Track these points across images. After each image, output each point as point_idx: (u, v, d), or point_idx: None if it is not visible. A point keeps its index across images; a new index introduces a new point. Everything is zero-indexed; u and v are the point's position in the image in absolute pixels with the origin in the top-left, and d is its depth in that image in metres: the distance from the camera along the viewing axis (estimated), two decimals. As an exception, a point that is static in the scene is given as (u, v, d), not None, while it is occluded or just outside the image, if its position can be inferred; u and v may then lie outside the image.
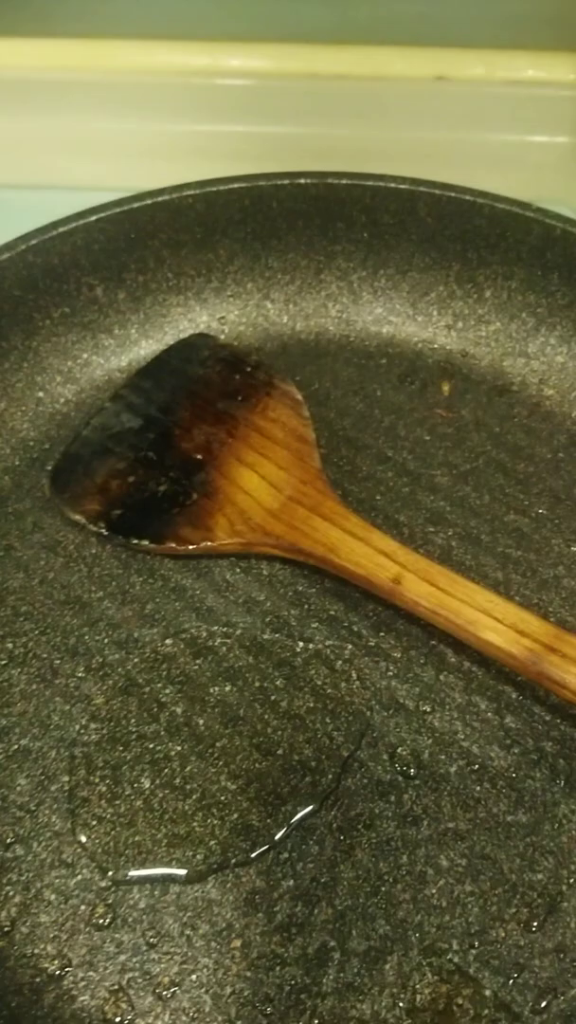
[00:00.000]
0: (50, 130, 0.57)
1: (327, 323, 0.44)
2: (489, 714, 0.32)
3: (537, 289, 0.42)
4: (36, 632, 0.34)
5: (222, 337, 0.43)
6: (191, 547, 0.35)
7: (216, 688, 0.33)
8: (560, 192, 0.57)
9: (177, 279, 0.42)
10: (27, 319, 0.39)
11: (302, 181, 0.41)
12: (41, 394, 0.40)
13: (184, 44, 0.57)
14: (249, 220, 0.41)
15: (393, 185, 0.41)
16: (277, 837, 0.29)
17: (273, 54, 0.57)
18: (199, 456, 0.38)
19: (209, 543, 0.35)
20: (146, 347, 0.42)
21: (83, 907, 0.28)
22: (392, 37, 0.57)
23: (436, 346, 0.43)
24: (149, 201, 0.40)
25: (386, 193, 0.41)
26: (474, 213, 0.41)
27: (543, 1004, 0.27)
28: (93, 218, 0.39)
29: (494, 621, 0.30)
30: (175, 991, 0.27)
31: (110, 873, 0.29)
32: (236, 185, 0.40)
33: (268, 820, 0.30)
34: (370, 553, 0.33)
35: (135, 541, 0.36)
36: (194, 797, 0.30)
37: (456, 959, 0.28)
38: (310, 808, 0.30)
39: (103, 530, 0.36)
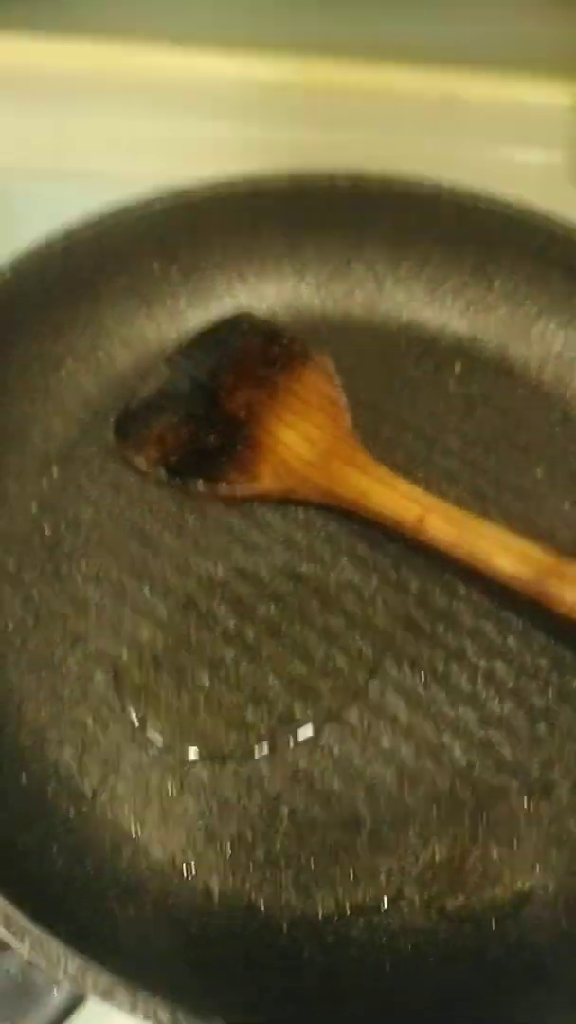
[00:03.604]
0: (87, 126, 0.62)
1: (353, 307, 0.49)
2: (494, 635, 0.38)
3: (540, 283, 0.47)
4: (107, 557, 0.39)
5: (260, 314, 0.48)
6: (239, 490, 0.41)
7: (262, 608, 0.38)
8: (556, 206, 0.63)
9: (224, 259, 0.47)
10: (93, 287, 0.44)
11: (339, 182, 0.46)
12: (102, 355, 0.45)
13: (214, 51, 0.62)
14: (290, 212, 0.47)
15: (418, 190, 0.46)
16: (317, 726, 0.35)
17: (297, 65, 0.62)
18: (243, 415, 0.43)
19: (256, 486, 0.41)
20: (193, 319, 0.47)
21: (154, 778, 0.33)
22: (404, 55, 0.62)
23: (449, 331, 0.48)
24: (207, 192, 0.45)
25: (412, 196, 0.46)
26: (488, 214, 0.46)
27: (538, 866, 0.33)
28: (158, 207, 0.44)
29: (504, 550, 0.36)
30: (234, 847, 0.32)
31: (177, 752, 0.34)
32: (282, 182, 0.46)
33: (309, 712, 0.35)
34: (397, 497, 0.39)
35: (191, 483, 0.41)
36: (246, 693, 0.35)
37: (468, 827, 0.33)
38: (344, 703, 0.35)
39: (162, 474, 0.41)
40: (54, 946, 0.24)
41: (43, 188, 0.59)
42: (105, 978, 0.24)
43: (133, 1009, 0.23)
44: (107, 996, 0.23)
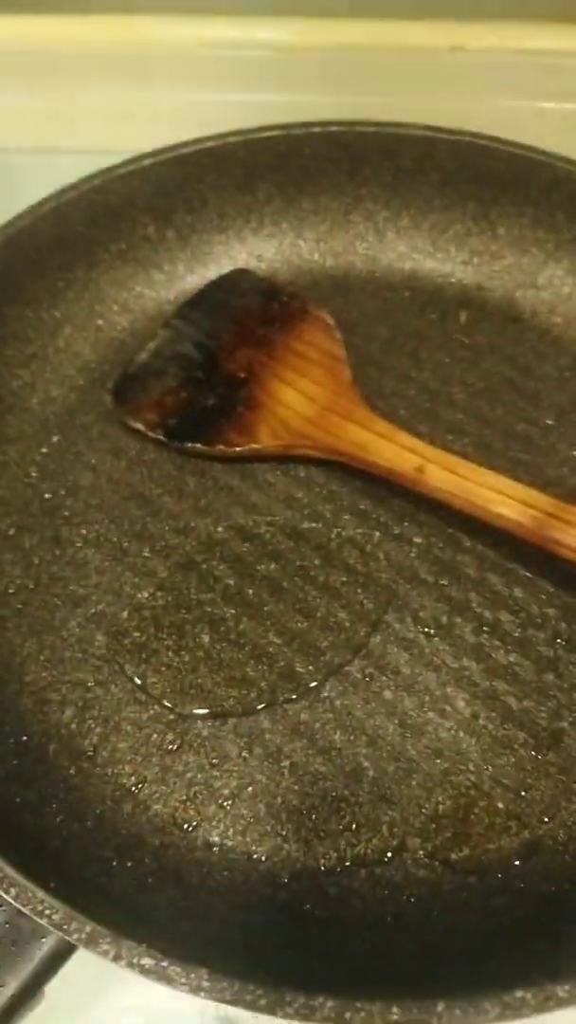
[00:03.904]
0: (91, 100, 0.61)
1: (355, 260, 0.48)
2: (499, 586, 0.37)
3: (545, 226, 0.46)
4: (106, 521, 0.39)
5: (259, 272, 0.47)
6: (238, 449, 0.40)
7: (262, 566, 0.37)
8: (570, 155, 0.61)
9: (220, 219, 0.47)
10: (89, 253, 0.44)
11: (333, 129, 0.45)
12: (100, 322, 0.45)
13: (213, 18, 0.61)
14: (285, 165, 0.46)
15: (414, 132, 0.45)
16: (318, 680, 0.34)
17: (296, 27, 0.61)
18: (242, 375, 0.43)
19: (254, 445, 0.40)
20: (192, 281, 0.47)
21: (155, 735, 0.33)
22: (409, 10, 0.60)
23: (454, 280, 0.47)
24: (196, 147, 0.44)
25: (408, 139, 0.45)
26: (488, 156, 0.45)
27: (547, 817, 0.32)
28: (147, 162, 0.44)
29: (505, 497, 0.35)
30: (234, 801, 0.32)
31: (177, 709, 0.34)
32: (274, 133, 0.45)
33: (310, 667, 0.35)
34: (397, 449, 0.38)
35: (189, 445, 0.41)
36: (247, 649, 0.35)
37: (472, 778, 0.33)
38: (345, 657, 0.35)
39: (160, 436, 0.41)
40: (40, 895, 0.24)
41: (45, 163, 0.59)
42: (89, 926, 0.24)
43: (117, 957, 0.23)
44: (91, 944, 0.23)
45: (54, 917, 0.24)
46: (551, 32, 0.60)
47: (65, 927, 0.24)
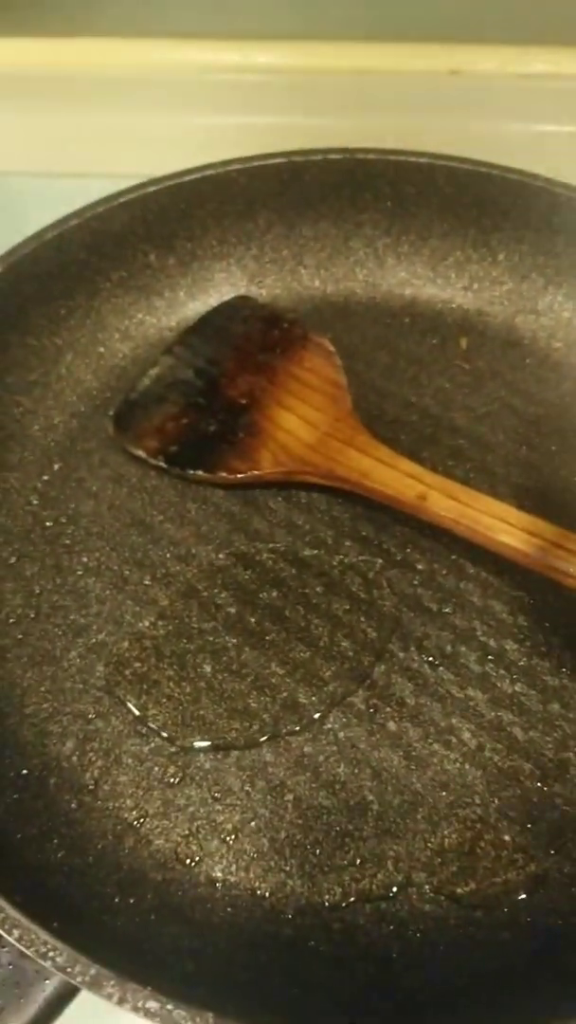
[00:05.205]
0: (93, 124, 0.62)
1: (355, 286, 0.48)
2: (504, 615, 0.37)
3: (545, 251, 0.46)
4: (107, 548, 0.39)
5: (260, 299, 0.47)
6: (240, 476, 0.40)
7: (264, 593, 0.37)
8: (569, 178, 0.61)
9: (221, 247, 0.47)
10: (90, 281, 0.44)
11: (333, 156, 0.45)
12: (102, 349, 0.45)
13: (215, 42, 0.62)
14: (285, 192, 0.46)
15: (415, 159, 0.45)
16: (321, 711, 0.34)
17: (295, 51, 0.61)
18: (243, 401, 0.43)
19: (256, 472, 0.40)
20: (193, 308, 0.47)
21: (156, 769, 0.33)
22: (408, 33, 0.61)
23: (454, 306, 0.47)
24: (198, 175, 0.44)
25: (408, 166, 0.45)
26: (487, 183, 0.45)
27: (553, 849, 0.32)
28: (149, 190, 0.44)
29: (508, 526, 0.34)
30: (237, 836, 0.32)
31: (178, 742, 0.33)
32: (274, 160, 0.45)
33: (313, 698, 0.34)
34: (398, 476, 0.38)
35: (190, 472, 0.40)
36: (249, 680, 0.35)
37: (478, 811, 0.32)
38: (349, 688, 0.34)
39: (162, 463, 0.41)
40: (44, 937, 0.24)
41: (47, 187, 0.59)
42: (94, 969, 0.23)
43: (122, 1001, 0.23)
44: (95, 987, 0.23)
45: (58, 960, 0.23)
46: (549, 55, 0.61)
47: (69, 970, 0.23)
